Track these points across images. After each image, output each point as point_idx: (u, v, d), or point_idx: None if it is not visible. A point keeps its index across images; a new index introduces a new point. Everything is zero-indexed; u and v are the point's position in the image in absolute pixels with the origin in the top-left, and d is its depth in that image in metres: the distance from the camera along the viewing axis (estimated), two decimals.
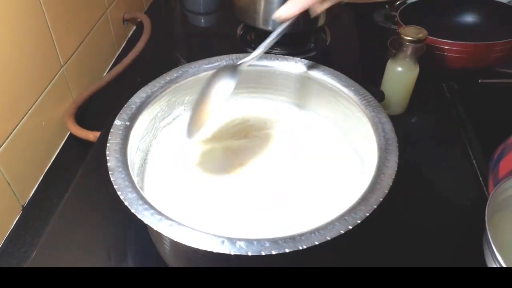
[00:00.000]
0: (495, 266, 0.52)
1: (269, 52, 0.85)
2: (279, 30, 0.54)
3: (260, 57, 0.61)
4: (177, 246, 0.47)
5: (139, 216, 0.41)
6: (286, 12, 0.54)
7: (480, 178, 0.69)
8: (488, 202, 0.55)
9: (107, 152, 0.47)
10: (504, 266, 0.50)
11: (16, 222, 0.67)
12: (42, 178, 0.73)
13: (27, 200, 0.70)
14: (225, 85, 0.52)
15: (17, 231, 0.66)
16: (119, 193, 0.43)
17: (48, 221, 0.64)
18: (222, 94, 0.52)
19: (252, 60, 0.55)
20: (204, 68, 0.60)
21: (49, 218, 0.64)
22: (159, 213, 0.42)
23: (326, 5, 0.55)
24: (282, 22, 0.54)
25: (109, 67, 0.96)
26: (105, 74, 0.94)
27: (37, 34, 0.69)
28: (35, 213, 0.69)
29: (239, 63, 0.54)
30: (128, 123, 0.51)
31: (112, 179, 0.45)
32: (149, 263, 0.59)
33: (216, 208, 0.53)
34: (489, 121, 0.80)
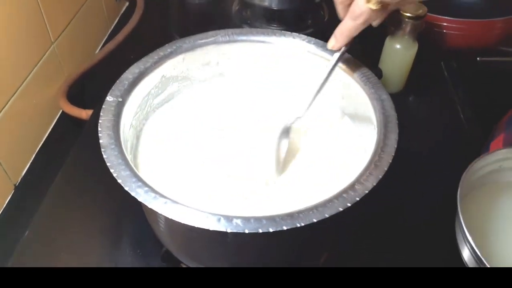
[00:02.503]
0: (466, 247, 0.53)
1: (266, 27, 0.84)
2: (332, 62, 0.53)
3: (257, 32, 0.60)
4: (172, 225, 0.46)
5: (132, 194, 0.40)
6: (335, 45, 0.52)
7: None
8: (460, 183, 0.55)
9: (99, 129, 0.46)
10: (475, 246, 0.50)
11: (8, 202, 0.66)
12: (35, 157, 0.73)
13: (19, 179, 0.69)
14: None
15: (9, 211, 0.65)
16: (112, 170, 0.42)
17: (41, 200, 0.63)
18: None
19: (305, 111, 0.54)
20: (198, 43, 0.58)
21: (42, 198, 0.64)
22: (154, 190, 0.41)
23: (379, 20, 0.51)
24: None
25: (102, 44, 0.95)
26: (97, 51, 0.92)
27: (26, 10, 0.67)
28: (27, 192, 0.68)
29: (291, 123, 0.55)
30: (120, 99, 0.50)
31: (104, 156, 0.43)
32: (145, 243, 0.58)
33: (213, 186, 0.52)
34: (487, 99, 0.79)
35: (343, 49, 0.53)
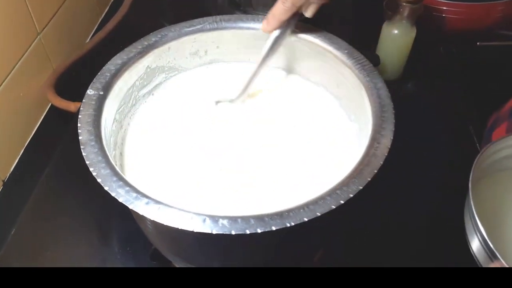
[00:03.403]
0: (476, 238, 0.51)
1: (255, 13, 0.81)
2: (267, 46, 0.55)
3: (246, 18, 0.58)
4: (158, 225, 0.44)
5: (113, 194, 0.39)
6: (266, 27, 0.55)
7: (478, 146, 0.67)
8: (473, 166, 0.53)
9: (78, 125, 0.44)
10: (485, 235, 0.48)
11: None
12: (23, 152, 0.71)
13: (8, 175, 0.68)
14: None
15: None
16: (91, 169, 0.40)
17: (29, 196, 0.63)
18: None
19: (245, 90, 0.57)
20: (185, 32, 0.56)
21: (31, 193, 0.63)
22: (136, 190, 0.39)
23: (312, 8, 0.54)
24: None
25: (91, 34, 0.92)
26: (87, 41, 0.90)
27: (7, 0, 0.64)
28: (16, 188, 0.67)
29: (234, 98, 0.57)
30: (101, 93, 0.48)
31: (84, 154, 0.42)
32: (134, 240, 0.57)
33: (204, 179, 0.50)
34: (487, 85, 0.78)
35: (277, 32, 0.54)
